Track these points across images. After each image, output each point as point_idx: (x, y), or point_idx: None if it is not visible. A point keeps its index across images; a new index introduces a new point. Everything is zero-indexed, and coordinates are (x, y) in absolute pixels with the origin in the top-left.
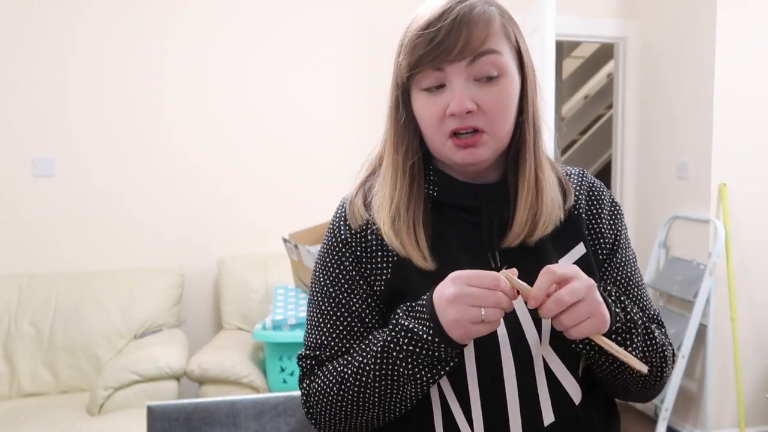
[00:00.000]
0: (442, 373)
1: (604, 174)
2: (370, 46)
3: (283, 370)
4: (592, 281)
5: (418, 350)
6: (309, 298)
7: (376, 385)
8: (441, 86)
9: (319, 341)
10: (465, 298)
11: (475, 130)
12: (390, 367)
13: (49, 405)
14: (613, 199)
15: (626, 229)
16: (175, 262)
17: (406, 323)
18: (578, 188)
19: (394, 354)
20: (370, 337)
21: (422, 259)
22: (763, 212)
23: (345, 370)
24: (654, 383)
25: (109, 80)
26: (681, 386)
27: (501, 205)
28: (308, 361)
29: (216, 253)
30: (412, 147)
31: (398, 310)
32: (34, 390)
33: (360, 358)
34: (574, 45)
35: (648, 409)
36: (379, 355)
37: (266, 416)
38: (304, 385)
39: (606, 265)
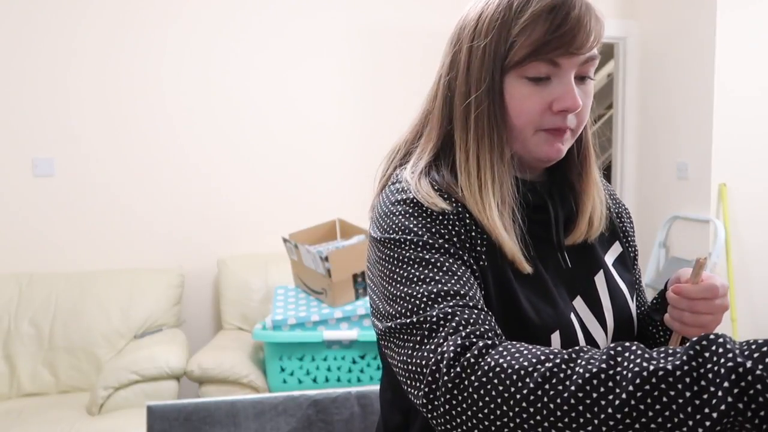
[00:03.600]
0: None
1: (604, 174)
2: (370, 48)
3: (283, 370)
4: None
5: (750, 413)
6: (389, 267)
7: (611, 416)
8: (546, 79)
9: (444, 290)
10: None
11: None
12: (660, 405)
13: (49, 405)
14: (623, 202)
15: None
16: (175, 262)
17: (751, 365)
18: (605, 190)
19: (687, 393)
20: (630, 344)
21: (524, 262)
22: (763, 212)
23: (565, 367)
24: None
25: (109, 80)
26: None
27: (561, 201)
28: (443, 311)
29: (216, 253)
30: (507, 137)
31: (717, 338)
32: (34, 390)
33: (604, 366)
34: None
35: None
36: (654, 380)
37: (266, 416)
38: (470, 356)
39: (633, 264)
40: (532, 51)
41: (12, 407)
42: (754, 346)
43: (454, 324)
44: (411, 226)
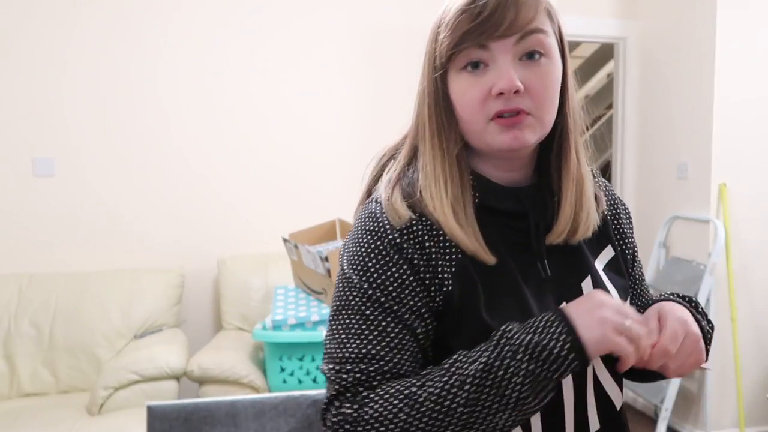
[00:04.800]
0: (543, 402)
1: (604, 174)
2: (370, 46)
3: (283, 370)
4: (685, 317)
5: (539, 370)
6: (338, 305)
7: (466, 410)
8: (484, 66)
9: (364, 351)
10: (615, 316)
11: (519, 112)
12: (492, 389)
13: (49, 405)
14: (621, 200)
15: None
16: (175, 262)
17: (530, 337)
18: (602, 190)
19: (500, 373)
20: (458, 355)
21: (485, 253)
22: (763, 212)
23: (420, 392)
24: None
25: (108, 80)
26: (681, 386)
27: (544, 206)
28: (353, 375)
29: (216, 253)
30: (456, 134)
31: (507, 328)
32: (34, 390)
33: (446, 379)
34: (574, 45)
35: (648, 409)
36: (479, 375)
37: (266, 416)
38: (347, 409)
39: (631, 265)
40: (457, 42)
41: (12, 407)
42: (533, 323)
43: (358, 392)
44: (369, 266)
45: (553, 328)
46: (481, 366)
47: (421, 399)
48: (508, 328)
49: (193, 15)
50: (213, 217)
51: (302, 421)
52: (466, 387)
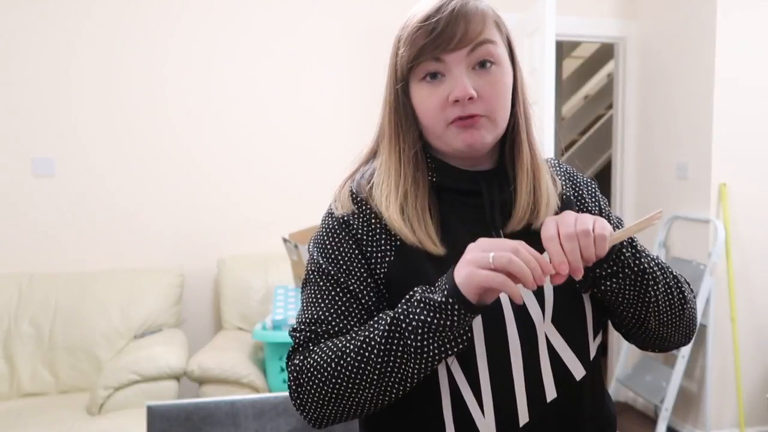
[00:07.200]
0: (450, 351)
1: (604, 174)
2: (370, 45)
3: (283, 370)
4: (571, 213)
5: (430, 319)
6: (304, 279)
7: (379, 360)
8: (441, 76)
9: (315, 316)
10: (479, 254)
11: (474, 116)
12: (397, 340)
13: (49, 405)
14: (586, 179)
15: (605, 199)
16: (175, 262)
17: (423, 295)
18: (560, 175)
19: (403, 326)
20: (380, 315)
21: (433, 245)
22: (763, 212)
23: (347, 344)
24: (680, 312)
25: (109, 79)
26: (681, 386)
27: (500, 187)
28: (304, 334)
29: (216, 253)
30: (413, 138)
31: (416, 288)
32: (34, 390)
33: (366, 333)
34: (574, 45)
35: (648, 409)
36: (387, 328)
37: (266, 416)
38: (297, 360)
39: None
40: (415, 56)
41: (12, 407)
42: (422, 301)
43: (308, 347)
44: (326, 244)
45: (440, 284)
46: (390, 319)
47: (346, 350)
48: (415, 289)
49: (197, 16)
50: (213, 217)
51: (302, 421)
52: (379, 339)
